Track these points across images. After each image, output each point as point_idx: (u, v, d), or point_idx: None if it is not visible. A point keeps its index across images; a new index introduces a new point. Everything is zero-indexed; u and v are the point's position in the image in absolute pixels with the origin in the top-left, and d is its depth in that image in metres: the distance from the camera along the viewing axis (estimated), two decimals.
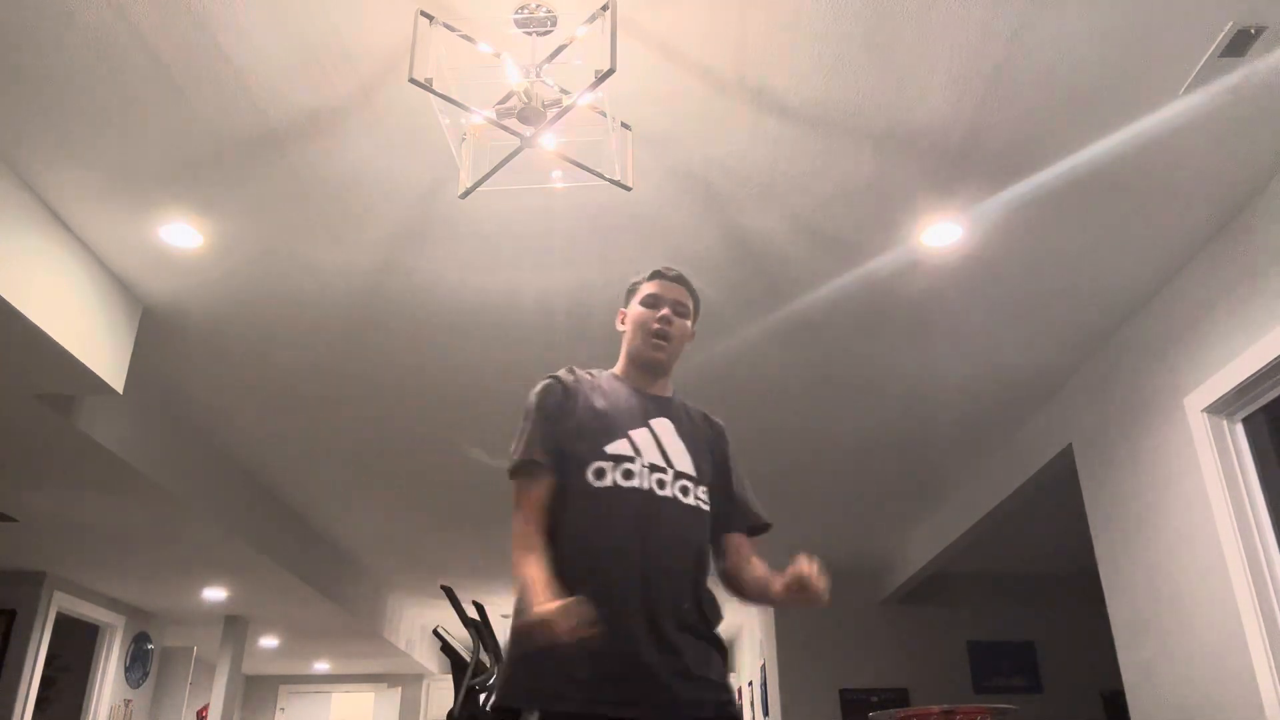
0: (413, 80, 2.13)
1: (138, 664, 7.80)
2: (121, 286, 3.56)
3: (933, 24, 2.44)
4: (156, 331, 3.89)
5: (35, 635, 6.33)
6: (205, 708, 9.06)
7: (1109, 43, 2.50)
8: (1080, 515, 4.45)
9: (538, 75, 2.34)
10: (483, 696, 5.97)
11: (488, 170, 2.47)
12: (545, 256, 3.45)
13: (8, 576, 6.37)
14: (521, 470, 1.86)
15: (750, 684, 9.83)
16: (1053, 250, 3.42)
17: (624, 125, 2.72)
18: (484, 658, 6.17)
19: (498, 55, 2.34)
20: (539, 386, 2.01)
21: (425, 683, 11.47)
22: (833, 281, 3.61)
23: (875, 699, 7.51)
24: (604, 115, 2.53)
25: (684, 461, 1.91)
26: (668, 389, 2.05)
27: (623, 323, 2.09)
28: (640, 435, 1.89)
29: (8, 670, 6.20)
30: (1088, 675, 7.56)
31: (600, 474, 1.82)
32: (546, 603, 1.56)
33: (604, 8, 2.18)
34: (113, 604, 7.33)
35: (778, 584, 1.83)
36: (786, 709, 7.63)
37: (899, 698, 7.55)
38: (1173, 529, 3.63)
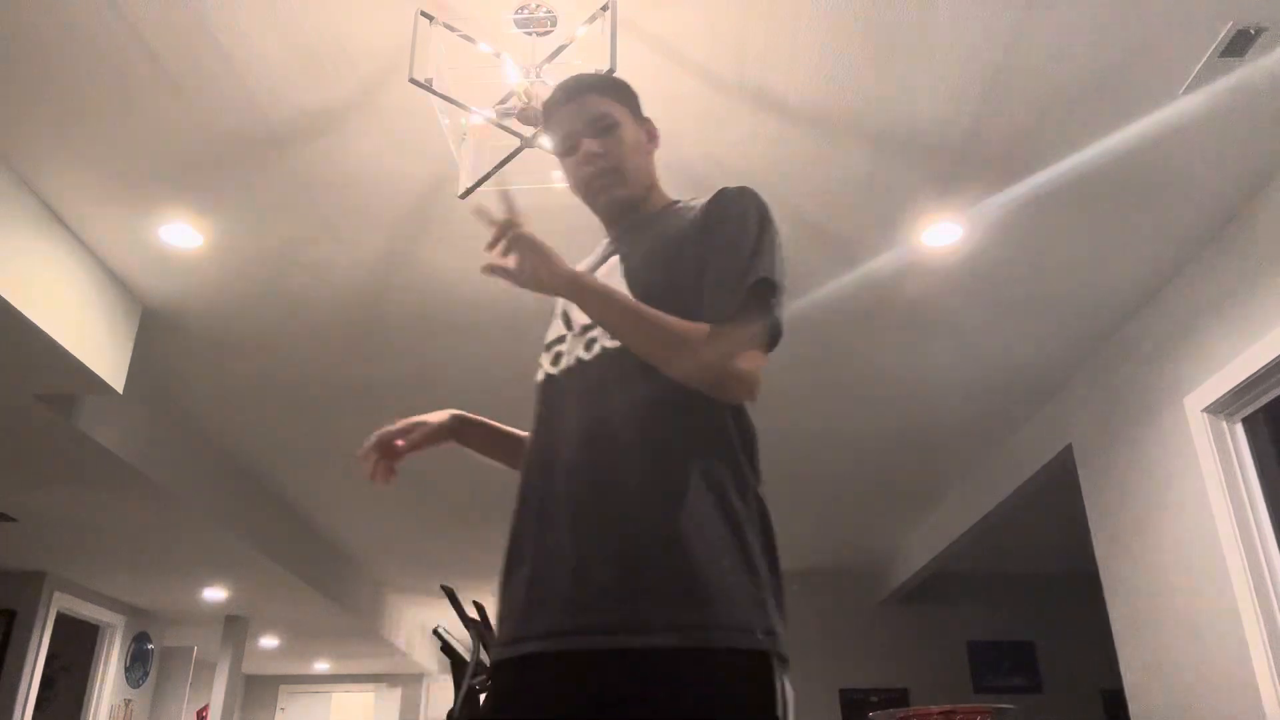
0: (413, 80, 2.13)
1: (138, 664, 7.80)
2: (121, 286, 3.56)
3: (933, 24, 2.44)
4: (156, 331, 3.89)
5: (35, 635, 6.33)
6: (205, 708, 9.06)
7: (1109, 43, 2.50)
8: (1080, 515, 4.45)
9: (538, 75, 2.34)
10: (483, 697, 5.96)
11: (488, 170, 2.47)
12: None
13: (8, 576, 6.37)
14: None
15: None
16: (1053, 250, 3.42)
17: None
18: (484, 658, 6.16)
19: (498, 55, 2.34)
20: None
21: (425, 683, 11.46)
22: (833, 281, 3.61)
23: (875, 699, 7.51)
24: None
25: None
26: (649, 208, 1.57)
27: (571, 187, 1.66)
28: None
29: (8, 670, 6.20)
30: (1088, 675, 7.56)
31: (538, 370, 1.47)
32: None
33: (604, 8, 2.18)
34: (113, 604, 7.33)
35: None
36: None
37: (899, 698, 7.55)
38: (1173, 529, 3.63)
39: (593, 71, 1.58)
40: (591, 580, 1.19)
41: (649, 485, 1.24)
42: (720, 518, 1.24)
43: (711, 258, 1.33)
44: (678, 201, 1.55)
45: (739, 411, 1.38)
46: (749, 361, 1.28)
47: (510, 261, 1.31)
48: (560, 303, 1.50)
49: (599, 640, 1.16)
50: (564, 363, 1.40)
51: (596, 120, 1.53)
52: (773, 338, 1.32)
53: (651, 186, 1.57)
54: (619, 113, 1.55)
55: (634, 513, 1.23)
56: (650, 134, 1.61)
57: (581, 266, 1.55)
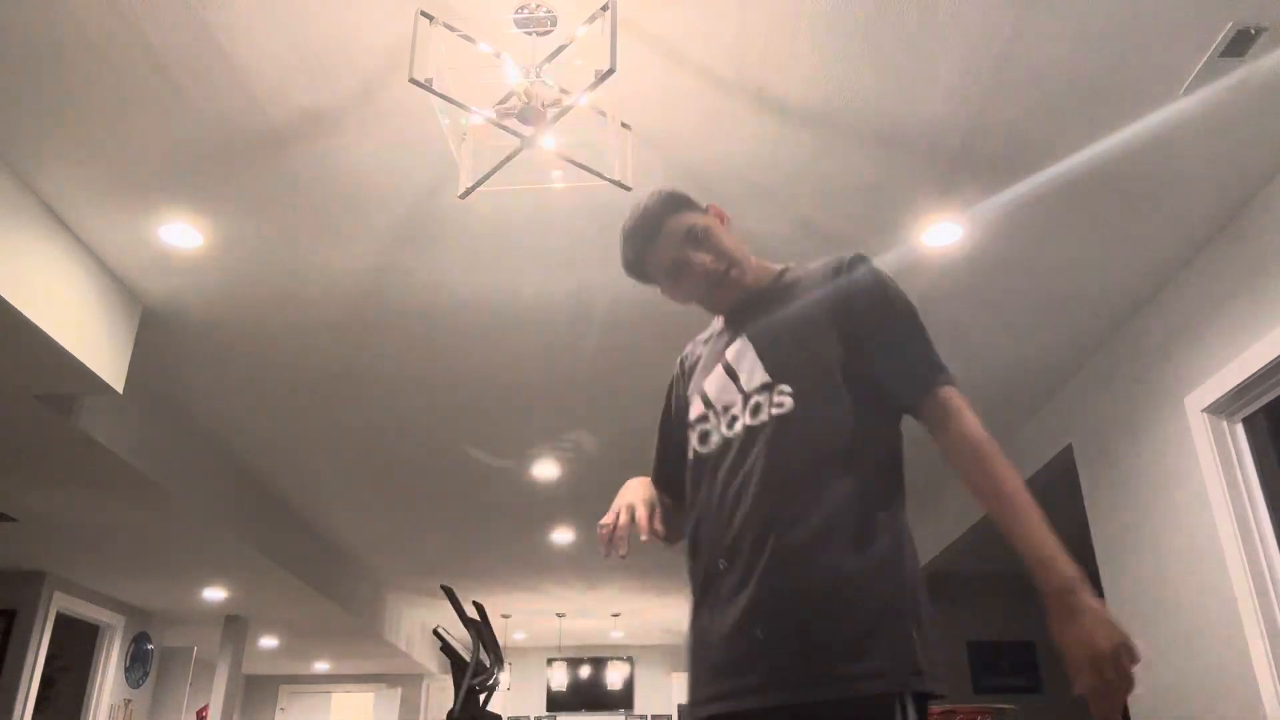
0: (413, 80, 2.13)
1: (138, 664, 7.80)
2: (121, 286, 3.56)
3: (933, 24, 2.44)
4: (156, 331, 3.89)
5: (35, 635, 6.33)
6: (205, 708, 9.06)
7: (1109, 43, 2.50)
8: (1080, 515, 4.45)
9: (538, 75, 2.34)
10: (483, 696, 5.97)
11: (488, 170, 2.47)
12: (545, 256, 3.45)
13: (8, 576, 6.37)
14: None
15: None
16: (1053, 250, 3.42)
17: (624, 125, 2.72)
18: (484, 658, 6.17)
19: (498, 55, 2.34)
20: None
21: (425, 683, 11.47)
22: None
23: None
24: (604, 115, 2.53)
25: (755, 375, 1.50)
26: (754, 284, 1.65)
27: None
28: (713, 381, 1.57)
29: (8, 670, 6.20)
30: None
31: (689, 450, 1.57)
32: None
33: (604, 8, 2.18)
34: (113, 604, 7.33)
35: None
36: None
37: None
38: (1173, 529, 3.63)
39: (655, 195, 1.64)
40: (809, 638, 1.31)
41: (840, 543, 1.35)
42: (901, 564, 1.40)
43: (887, 351, 1.49)
44: (784, 270, 1.67)
45: (899, 463, 1.50)
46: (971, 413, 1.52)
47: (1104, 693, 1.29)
48: (695, 384, 1.63)
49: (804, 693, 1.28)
50: (717, 436, 1.50)
51: (688, 236, 1.61)
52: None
53: (747, 270, 1.65)
54: (695, 218, 1.64)
55: (834, 570, 1.34)
56: (721, 216, 1.70)
57: (704, 344, 1.71)
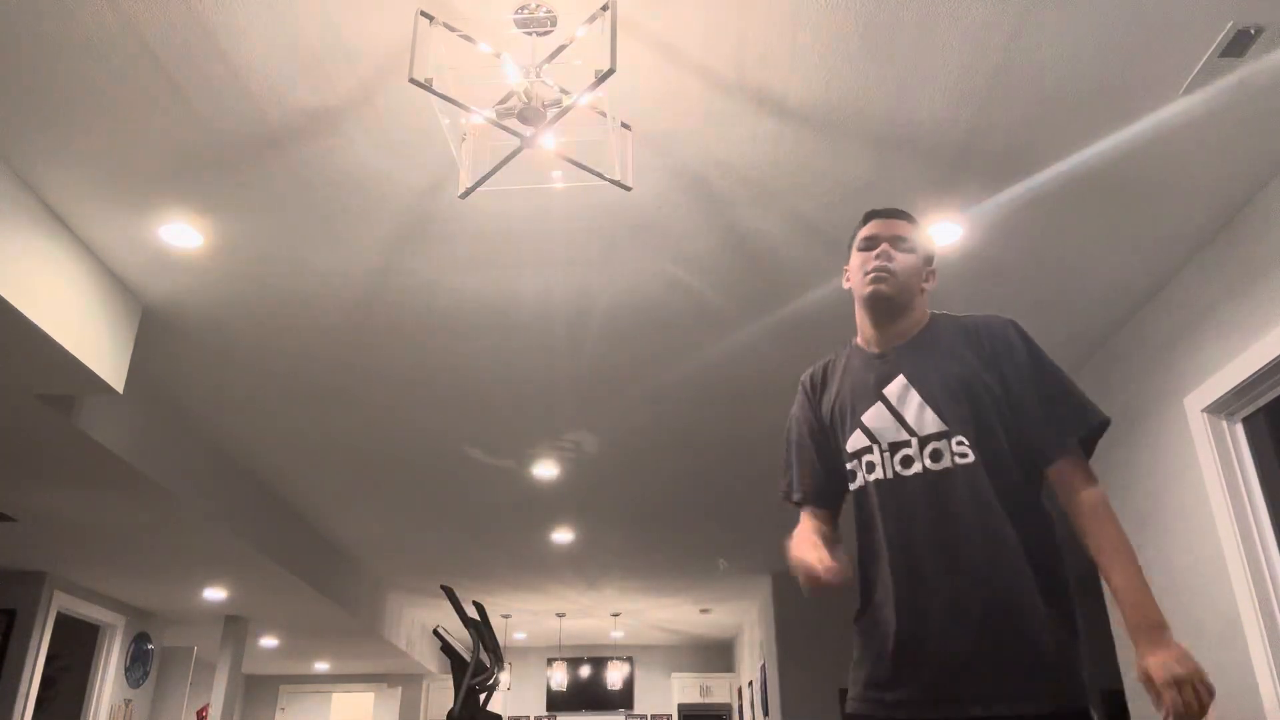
0: (413, 80, 2.13)
1: (138, 664, 7.80)
2: (121, 286, 3.56)
3: (933, 23, 2.44)
4: (156, 331, 3.89)
5: (35, 635, 6.33)
6: (205, 708, 9.06)
7: (1109, 43, 2.50)
8: None
9: (538, 75, 2.34)
10: (483, 696, 5.97)
11: (488, 170, 2.47)
12: (545, 257, 3.45)
13: (8, 576, 6.37)
14: (795, 505, 1.88)
15: (750, 684, 9.83)
16: (1053, 250, 3.43)
17: (624, 125, 2.72)
18: (484, 658, 6.17)
19: (498, 55, 2.34)
20: (793, 405, 1.95)
21: (425, 683, 11.47)
22: (833, 281, 3.61)
23: None
24: (604, 115, 2.53)
25: (928, 419, 1.67)
26: (914, 326, 1.83)
27: (847, 280, 1.93)
28: (873, 415, 1.74)
29: (8, 670, 6.20)
30: (1088, 675, 7.55)
31: (853, 476, 1.76)
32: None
33: (604, 8, 2.18)
34: (113, 604, 7.33)
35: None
36: (786, 709, 7.63)
37: None
38: (1173, 529, 3.63)
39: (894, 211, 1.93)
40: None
41: (1019, 575, 1.57)
42: (1067, 597, 1.61)
43: (1046, 400, 1.68)
44: (937, 317, 1.86)
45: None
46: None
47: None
48: (847, 411, 1.79)
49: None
50: (888, 471, 1.68)
51: (897, 238, 1.85)
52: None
53: (916, 308, 1.85)
54: (913, 243, 1.87)
55: (1021, 604, 1.56)
56: (929, 276, 1.91)
57: (842, 371, 1.87)
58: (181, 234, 3.26)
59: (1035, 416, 1.66)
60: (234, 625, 7.85)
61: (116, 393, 3.58)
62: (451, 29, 2.29)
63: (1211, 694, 1.44)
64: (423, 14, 2.27)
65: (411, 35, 2.32)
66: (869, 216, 1.90)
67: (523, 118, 2.28)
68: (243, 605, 7.46)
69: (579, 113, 2.50)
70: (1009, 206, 3.17)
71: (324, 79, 2.59)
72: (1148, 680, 1.50)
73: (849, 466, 1.76)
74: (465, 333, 3.96)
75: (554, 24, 2.41)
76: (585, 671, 12.08)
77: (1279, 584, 3.13)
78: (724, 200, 3.15)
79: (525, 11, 2.38)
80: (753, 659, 9.59)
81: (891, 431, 1.70)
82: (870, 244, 1.86)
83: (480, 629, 6.29)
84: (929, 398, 1.69)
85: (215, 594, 7.07)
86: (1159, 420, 3.70)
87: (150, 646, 8.01)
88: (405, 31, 2.42)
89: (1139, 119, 2.77)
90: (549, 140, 2.48)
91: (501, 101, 2.35)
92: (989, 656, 1.52)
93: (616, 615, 10.21)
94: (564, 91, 2.44)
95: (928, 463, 1.64)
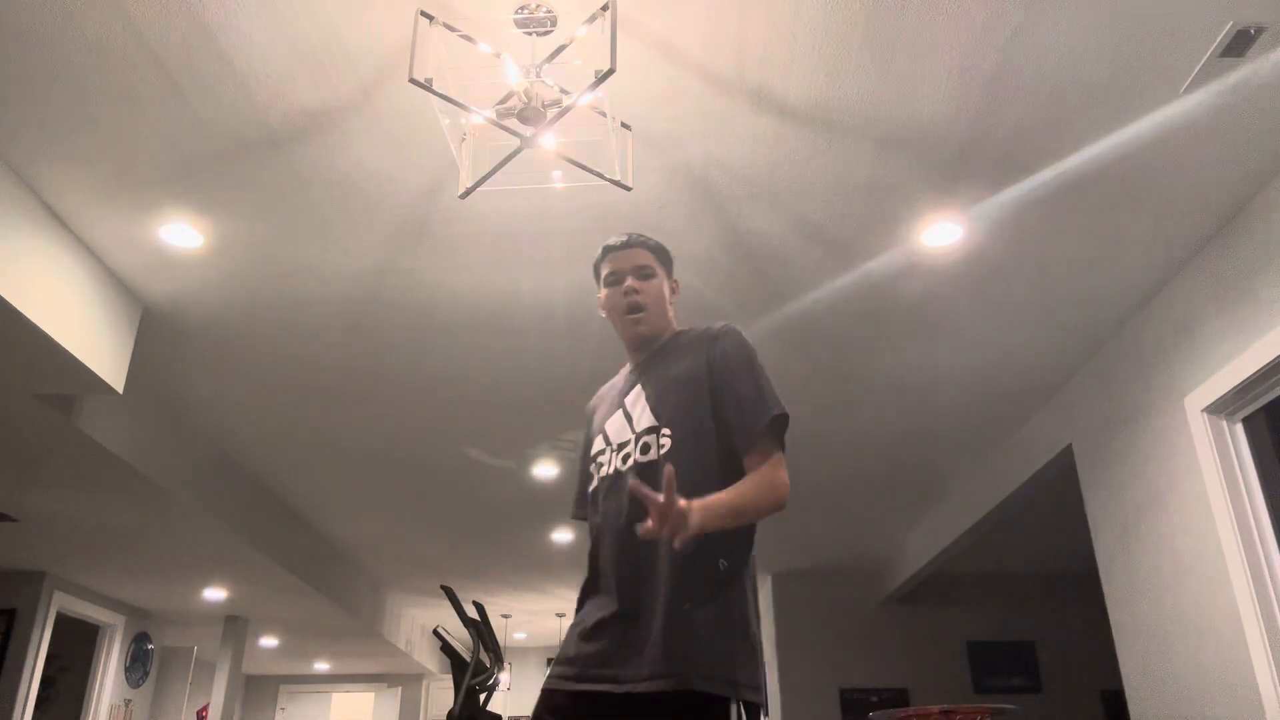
0: (413, 80, 2.13)
1: (138, 664, 7.80)
2: (121, 286, 3.56)
3: (933, 24, 2.44)
4: (156, 331, 3.89)
5: (35, 635, 6.33)
6: (205, 708, 9.06)
7: (1109, 43, 2.50)
8: (1080, 515, 4.45)
9: (538, 75, 2.34)
10: (483, 696, 5.97)
11: (488, 170, 2.47)
12: (545, 256, 3.45)
13: (8, 576, 6.37)
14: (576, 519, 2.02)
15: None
16: (1053, 250, 3.43)
17: (624, 125, 2.72)
18: (484, 658, 6.17)
19: (498, 55, 2.34)
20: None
21: (425, 683, 11.47)
22: (833, 281, 3.61)
23: (875, 699, 7.51)
24: (604, 115, 2.53)
25: (645, 417, 1.80)
26: (663, 336, 1.96)
27: (602, 311, 2.02)
28: (613, 422, 1.88)
29: (8, 670, 6.20)
30: (1088, 675, 7.56)
31: (591, 480, 1.89)
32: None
33: (604, 8, 2.18)
34: (113, 604, 7.33)
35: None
36: (786, 709, 7.63)
37: (899, 698, 7.55)
38: (1173, 529, 3.63)
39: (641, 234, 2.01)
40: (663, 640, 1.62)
41: (683, 564, 1.66)
42: (730, 585, 1.69)
43: (733, 401, 1.76)
44: (680, 332, 1.96)
45: None
46: (786, 474, 1.74)
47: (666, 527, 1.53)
48: (598, 424, 1.92)
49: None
50: (609, 468, 1.81)
51: (640, 268, 1.95)
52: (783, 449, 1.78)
53: (667, 327, 1.97)
54: (654, 268, 1.96)
55: (662, 586, 1.66)
56: (674, 288, 2.02)
57: (609, 390, 2.01)
58: (181, 234, 3.26)
59: (733, 415, 1.76)
60: (234, 625, 7.85)
61: (116, 393, 3.58)
62: (451, 29, 2.29)
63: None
64: (423, 14, 2.27)
65: (411, 35, 2.32)
66: (606, 250, 1.98)
67: (523, 118, 2.28)
68: (243, 605, 7.46)
69: (579, 113, 2.50)
70: (1009, 206, 3.17)
71: (324, 79, 2.59)
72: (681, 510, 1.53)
73: (590, 472, 1.89)
74: (465, 332, 3.96)
75: (554, 24, 2.41)
76: None
77: (1279, 583, 3.13)
78: (724, 200, 3.14)
79: (525, 11, 2.38)
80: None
81: (621, 432, 1.83)
82: (616, 279, 1.95)
83: (480, 629, 6.29)
84: (650, 398, 1.83)
85: (215, 594, 7.07)
86: (1159, 420, 3.70)
87: (150, 646, 8.01)
88: (405, 31, 2.42)
89: (1139, 119, 2.77)
90: (549, 140, 2.48)
91: (501, 101, 2.35)
92: (646, 637, 1.62)
93: None
94: (564, 91, 2.44)
95: (638, 455, 1.77)
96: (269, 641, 9.14)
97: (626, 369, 2.01)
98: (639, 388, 1.88)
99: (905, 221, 3.25)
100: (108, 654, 7.35)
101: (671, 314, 1.99)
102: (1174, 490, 3.61)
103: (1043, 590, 7.86)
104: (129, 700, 7.68)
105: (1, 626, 6.30)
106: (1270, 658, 3.06)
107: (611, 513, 1.77)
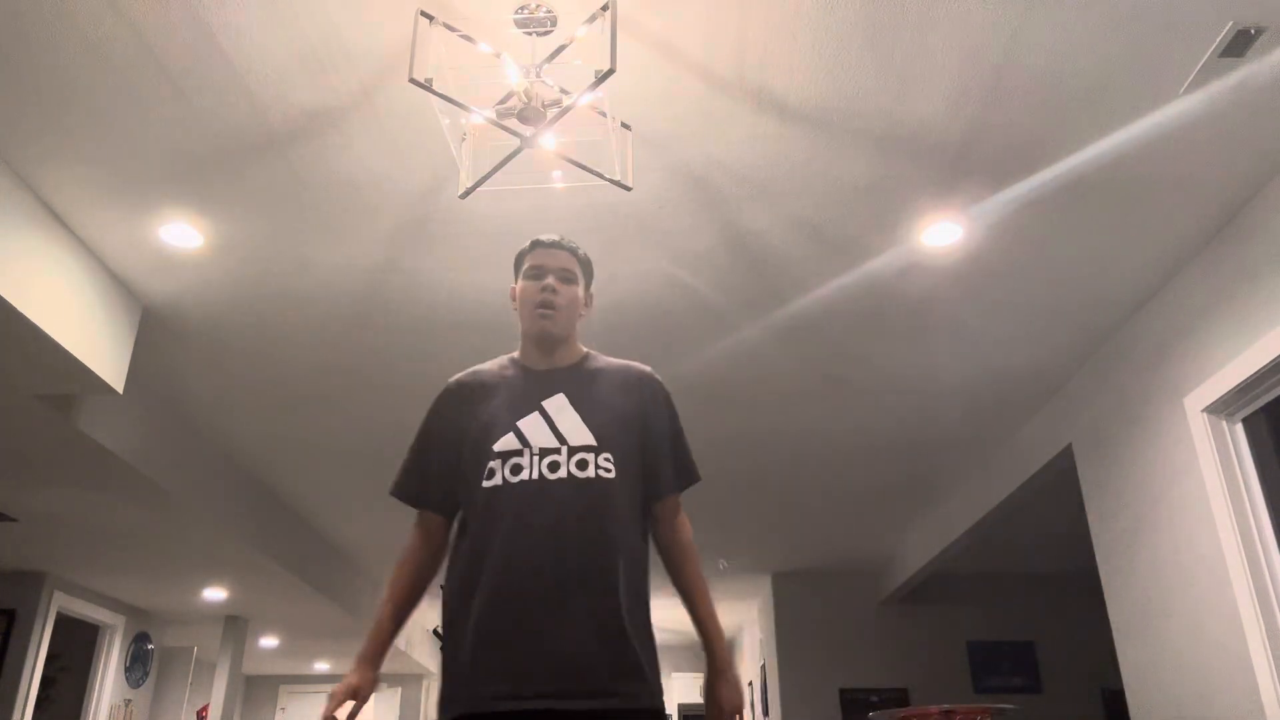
0: (413, 80, 2.13)
1: (138, 664, 7.80)
2: (121, 286, 3.56)
3: (933, 24, 2.44)
4: (156, 331, 3.89)
5: (35, 635, 6.33)
6: (205, 708, 9.06)
7: (1109, 43, 2.50)
8: (1080, 515, 4.45)
9: (538, 75, 2.34)
10: None
11: (488, 170, 2.47)
12: None
13: (8, 576, 6.37)
14: (407, 503, 1.96)
15: (750, 684, 9.83)
16: (1053, 250, 3.43)
17: (624, 125, 2.72)
18: None
19: (498, 55, 2.34)
20: (434, 400, 2.05)
21: (425, 683, 11.47)
22: (833, 281, 3.61)
23: (875, 699, 7.51)
24: (604, 115, 2.53)
25: (579, 434, 1.83)
26: (572, 355, 2.00)
27: (514, 299, 2.04)
28: (529, 423, 1.85)
29: (8, 670, 6.20)
30: (1088, 675, 7.56)
31: (490, 474, 1.81)
32: (352, 670, 1.75)
33: (604, 8, 2.18)
34: (113, 604, 7.33)
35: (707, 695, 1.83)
36: (786, 709, 7.63)
37: (899, 698, 7.55)
38: (1173, 529, 3.63)
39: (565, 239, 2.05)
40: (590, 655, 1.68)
41: (625, 586, 1.74)
42: (647, 610, 1.80)
43: (671, 453, 1.93)
44: (588, 354, 2.03)
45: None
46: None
47: None
48: (499, 417, 1.88)
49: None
50: (534, 472, 1.78)
51: (563, 270, 1.98)
52: None
53: (573, 338, 2.02)
54: (577, 276, 2.01)
55: (617, 606, 1.71)
56: (589, 302, 2.07)
57: (496, 381, 2.01)
58: (181, 234, 3.26)
59: (665, 460, 1.91)
60: (234, 625, 7.85)
61: (116, 393, 3.58)
62: (451, 29, 2.29)
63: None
64: (423, 14, 2.27)
65: (411, 35, 2.32)
66: (535, 244, 2.01)
67: (523, 118, 2.28)
68: (243, 605, 7.46)
69: (579, 113, 2.50)
70: (1009, 206, 3.17)
71: (324, 79, 2.59)
72: (719, 708, 1.79)
73: (490, 465, 1.82)
74: (465, 332, 3.96)
75: (554, 24, 2.41)
76: None
77: (1279, 584, 3.13)
78: (723, 200, 3.14)
79: (525, 11, 2.38)
80: (753, 659, 9.59)
81: (544, 438, 1.82)
82: (537, 274, 1.98)
83: None
84: (586, 417, 1.86)
85: (215, 594, 7.07)
86: (1159, 420, 3.70)
87: (150, 646, 8.01)
88: (405, 31, 2.42)
89: (1139, 119, 2.77)
90: (549, 140, 2.49)
91: (501, 101, 2.35)
92: (583, 655, 1.65)
93: None
94: (564, 91, 2.44)
95: (573, 469, 1.79)
96: (269, 641, 9.14)
97: (521, 367, 2.00)
98: (562, 398, 1.89)
99: (905, 221, 3.25)
100: (108, 654, 7.35)
101: (579, 327, 2.04)
102: (1174, 490, 3.61)
103: (1043, 590, 7.86)
104: (129, 700, 7.68)
105: (1, 626, 6.29)
106: (1270, 658, 3.06)
107: (536, 518, 1.73)
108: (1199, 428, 3.41)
